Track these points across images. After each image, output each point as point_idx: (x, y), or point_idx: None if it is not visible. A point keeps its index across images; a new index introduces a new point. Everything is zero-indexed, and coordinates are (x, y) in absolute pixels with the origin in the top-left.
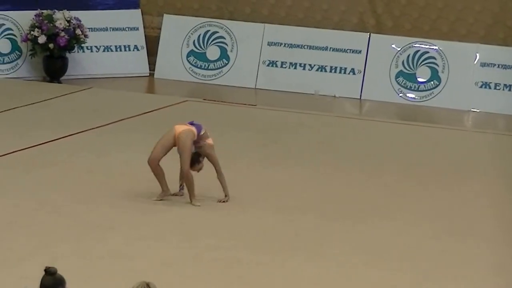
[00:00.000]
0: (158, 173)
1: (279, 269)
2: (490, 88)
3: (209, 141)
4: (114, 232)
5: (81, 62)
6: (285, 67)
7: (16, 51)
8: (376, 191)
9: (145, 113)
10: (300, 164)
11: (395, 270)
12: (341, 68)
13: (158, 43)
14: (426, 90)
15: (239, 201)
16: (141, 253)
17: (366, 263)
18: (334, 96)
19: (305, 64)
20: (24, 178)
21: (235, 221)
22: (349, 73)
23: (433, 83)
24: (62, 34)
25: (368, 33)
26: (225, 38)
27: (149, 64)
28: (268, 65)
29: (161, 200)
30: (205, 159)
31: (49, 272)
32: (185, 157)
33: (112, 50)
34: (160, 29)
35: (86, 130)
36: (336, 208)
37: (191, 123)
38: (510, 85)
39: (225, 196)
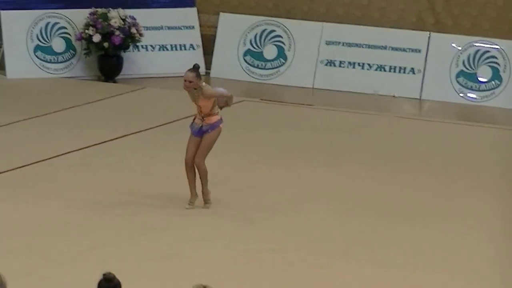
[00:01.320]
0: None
1: (334, 272)
2: None
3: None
4: (167, 233)
5: (136, 61)
6: (343, 67)
7: (70, 50)
8: (435, 193)
9: None
10: (357, 165)
11: (454, 273)
12: (400, 67)
13: (214, 42)
14: (487, 90)
15: (294, 202)
16: (193, 255)
17: (424, 266)
18: (393, 96)
19: (363, 64)
20: (78, 179)
21: (290, 222)
22: (408, 73)
23: (494, 83)
24: (117, 32)
25: (428, 32)
26: (282, 37)
27: (205, 63)
28: (326, 65)
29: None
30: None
31: (108, 279)
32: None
33: (167, 49)
34: (216, 27)
35: (140, 131)
36: (394, 209)
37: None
38: None
39: None
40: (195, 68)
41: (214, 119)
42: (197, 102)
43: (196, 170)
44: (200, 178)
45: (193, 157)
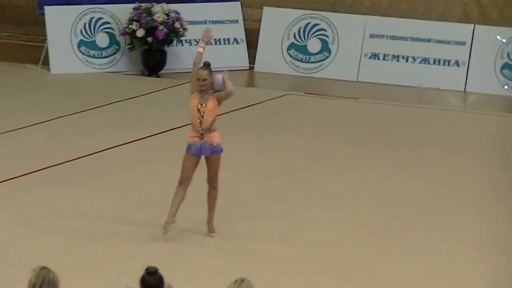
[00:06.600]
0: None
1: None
2: None
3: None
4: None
5: (180, 56)
6: (388, 60)
7: (114, 45)
8: (483, 186)
9: (245, 107)
10: (402, 159)
11: None
12: (444, 60)
13: (258, 36)
14: None
15: (341, 197)
16: (240, 251)
17: None
18: (438, 89)
19: (408, 57)
20: (127, 173)
21: (337, 216)
22: (453, 65)
23: None
24: (161, 27)
25: (473, 24)
26: (326, 31)
27: (249, 57)
28: (370, 58)
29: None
30: None
31: (150, 273)
32: None
33: (211, 44)
34: (260, 21)
35: (186, 125)
36: (438, 205)
37: None
38: None
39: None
40: (207, 65)
41: (215, 138)
42: (205, 104)
43: (209, 195)
44: (213, 205)
45: (191, 177)
